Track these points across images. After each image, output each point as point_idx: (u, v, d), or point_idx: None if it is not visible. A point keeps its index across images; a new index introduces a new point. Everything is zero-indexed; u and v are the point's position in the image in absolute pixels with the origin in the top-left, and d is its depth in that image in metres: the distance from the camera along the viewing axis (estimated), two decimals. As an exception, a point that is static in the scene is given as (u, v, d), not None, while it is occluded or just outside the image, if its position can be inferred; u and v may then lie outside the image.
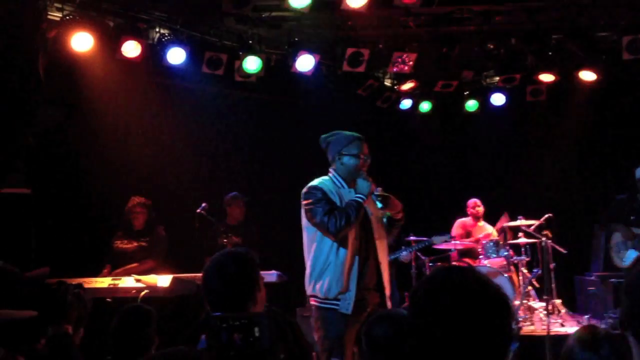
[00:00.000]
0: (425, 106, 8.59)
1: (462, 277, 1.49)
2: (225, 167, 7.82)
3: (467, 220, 7.72)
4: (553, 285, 6.87)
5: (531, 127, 8.53)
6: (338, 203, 4.01)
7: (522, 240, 7.00)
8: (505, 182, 8.51)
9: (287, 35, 6.84)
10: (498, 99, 8.32)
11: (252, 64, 6.65)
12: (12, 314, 1.79)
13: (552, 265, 6.84)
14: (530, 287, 7.07)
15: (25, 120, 5.61)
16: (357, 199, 3.97)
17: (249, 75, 6.84)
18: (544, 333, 5.85)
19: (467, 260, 7.21)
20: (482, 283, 1.48)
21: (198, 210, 6.00)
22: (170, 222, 6.37)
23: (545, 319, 6.17)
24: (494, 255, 6.96)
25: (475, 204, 7.65)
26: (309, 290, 4.08)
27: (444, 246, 7.19)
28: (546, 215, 6.92)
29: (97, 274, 5.59)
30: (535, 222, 6.96)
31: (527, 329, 6.40)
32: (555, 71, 7.61)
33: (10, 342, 1.83)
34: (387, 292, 4.08)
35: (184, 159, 7.38)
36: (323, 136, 4.28)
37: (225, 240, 5.97)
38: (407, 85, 8.09)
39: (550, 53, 7.15)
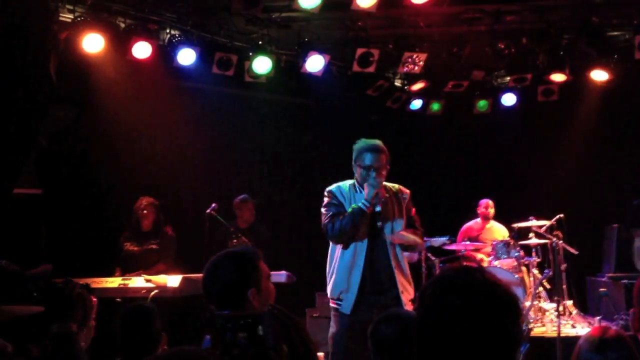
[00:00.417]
0: (435, 106, 8.57)
1: (471, 277, 1.48)
2: (235, 168, 7.84)
3: (473, 224, 7.65)
4: (564, 287, 6.81)
5: (542, 127, 8.48)
6: (348, 207, 4.11)
7: (533, 241, 6.96)
8: (515, 183, 8.47)
9: (297, 36, 6.85)
10: (509, 99, 8.27)
11: (262, 64, 6.66)
12: (19, 310, 1.81)
13: (563, 266, 6.79)
14: (541, 288, 7.01)
15: (38, 121, 5.65)
16: (359, 205, 4.03)
17: (259, 76, 6.85)
18: (555, 334, 5.80)
19: (477, 260, 7.17)
20: (491, 283, 1.47)
21: (208, 211, 6.01)
22: (180, 223, 6.40)
23: (556, 320, 6.12)
24: (505, 256, 6.91)
25: (488, 205, 7.60)
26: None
27: (454, 247, 7.16)
28: (557, 216, 6.88)
29: (106, 274, 5.61)
30: (546, 223, 6.92)
31: (537, 330, 6.36)
32: (567, 71, 7.54)
33: (17, 338, 1.84)
34: (405, 296, 4.07)
35: (194, 159, 7.40)
36: None
37: (235, 242, 5.98)
38: (418, 86, 8.07)
39: (561, 52, 7.11)
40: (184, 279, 5.20)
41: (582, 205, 7.90)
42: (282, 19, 6.58)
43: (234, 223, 6.48)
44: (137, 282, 5.24)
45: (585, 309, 7.34)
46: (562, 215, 6.86)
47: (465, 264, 1.56)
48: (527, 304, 6.62)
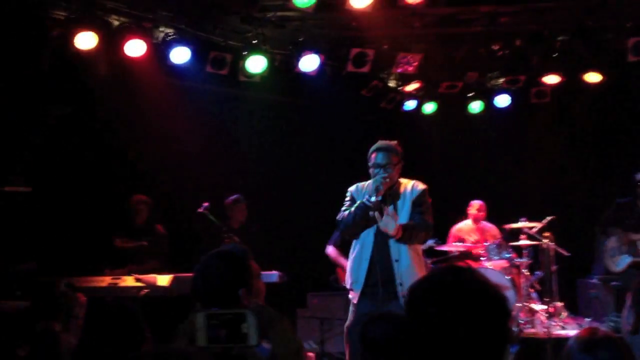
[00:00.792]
0: (429, 107, 8.58)
1: (460, 278, 1.49)
2: (228, 167, 7.83)
3: (463, 225, 7.65)
4: (555, 288, 6.85)
5: (535, 129, 8.50)
6: None
7: (525, 242, 6.98)
8: (508, 184, 8.49)
9: (291, 35, 6.85)
10: (502, 100, 8.29)
11: (256, 63, 6.65)
12: (5, 306, 1.80)
13: (554, 268, 6.82)
14: (531, 290, 7.05)
15: (30, 119, 5.63)
16: (363, 200, 4.28)
17: (253, 75, 6.84)
18: (545, 336, 5.84)
19: (468, 262, 7.18)
20: (481, 284, 1.48)
21: (200, 210, 6.00)
22: (172, 221, 6.39)
23: (546, 321, 6.16)
24: (497, 257, 6.93)
25: (479, 207, 7.61)
26: None
27: (445, 247, 7.17)
28: (549, 218, 6.90)
29: (96, 272, 5.58)
30: (537, 224, 6.95)
31: (528, 331, 6.39)
32: (560, 73, 7.58)
33: (3, 335, 1.84)
34: (403, 290, 4.21)
35: (187, 158, 7.39)
36: None
37: (226, 241, 5.97)
38: (412, 86, 8.08)
39: (555, 54, 7.13)
40: (174, 278, 5.19)
41: (573, 207, 7.94)
42: (276, 18, 6.57)
43: (225, 222, 6.47)
44: (127, 281, 5.22)
45: (576, 311, 7.37)
46: (554, 217, 6.89)
47: (454, 264, 1.56)
48: (518, 305, 6.65)
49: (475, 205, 7.60)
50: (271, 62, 6.82)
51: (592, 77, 7.38)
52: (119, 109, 6.76)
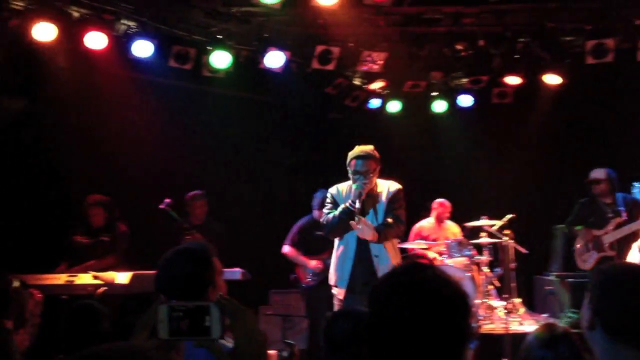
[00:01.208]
0: (393, 106, 8.63)
1: (422, 275, 1.49)
2: (191, 163, 7.74)
3: (425, 223, 7.72)
4: (513, 285, 6.97)
5: (496, 129, 8.63)
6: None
7: (485, 240, 7.10)
8: (469, 183, 8.61)
9: (256, 31, 6.80)
10: (465, 100, 8.39)
11: (220, 59, 6.59)
12: None
13: (513, 265, 6.95)
14: (491, 286, 7.16)
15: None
16: (346, 204, 4.63)
17: (217, 71, 6.78)
18: (504, 331, 5.94)
19: (431, 259, 7.26)
20: (442, 281, 1.49)
21: (161, 206, 5.91)
22: (132, 218, 6.28)
23: (504, 317, 6.27)
24: (457, 255, 7.03)
25: (442, 205, 7.69)
26: None
27: (406, 245, 7.23)
28: (509, 216, 7.03)
29: (53, 270, 5.44)
30: (498, 222, 7.06)
31: (487, 327, 6.49)
32: (521, 74, 7.71)
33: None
34: None
35: (148, 153, 7.28)
36: None
37: (188, 238, 5.90)
38: (377, 85, 8.11)
39: (516, 56, 7.25)
40: (134, 276, 5.10)
41: (532, 205, 8.10)
42: (242, 13, 6.52)
43: (187, 219, 6.39)
44: (84, 278, 5.10)
45: (533, 307, 7.53)
46: (513, 215, 7.01)
47: (416, 261, 1.57)
48: (478, 301, 6.75)
49: (438, 204, 7.69)
50: (236, 57, 6.76)
51: (552, 79, 7.52)
52: (78, 103, 6.61)
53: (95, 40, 5.88)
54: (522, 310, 7.02)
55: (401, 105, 8.63)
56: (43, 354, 2.94)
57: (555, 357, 2.31)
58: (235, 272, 5.51)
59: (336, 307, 4.75)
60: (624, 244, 5.86)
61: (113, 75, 6.71)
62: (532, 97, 8.18)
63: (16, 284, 2.14)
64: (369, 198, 4.70)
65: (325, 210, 4.80)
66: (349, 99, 8.33)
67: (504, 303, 6.77)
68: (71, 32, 5.79)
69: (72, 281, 5.08)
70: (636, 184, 6.18)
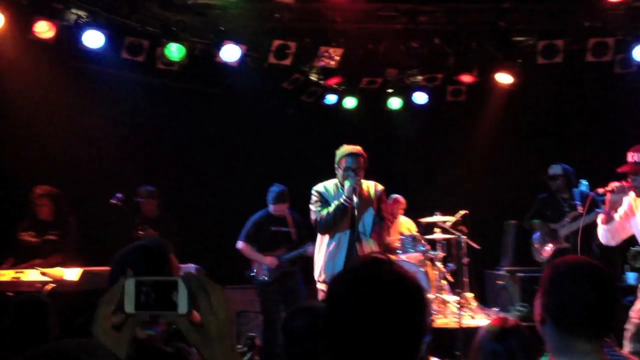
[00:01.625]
0: (350, 102, 8.66)
1: (379, 270, 1.49)
2: (143, 157, 7.59)
3: None
4: (466, 280, 7.10)
5: (450, 126, 8.77)
6: (332, 204, 4.84)
7: (439, 235, 7.20)
8: (424, 179, 8.72)
9: (212, 24, 6.70)
10: (420, 97, 8.48)
11: (175, 51, 6.47)
12: None
13: (465, 260, 7.08)
14: (444, 281, 7.28)
15: None
16: (341, 201, 4.75)
17: (171, 63, 6.66)
18: (456, 326, 6.04)
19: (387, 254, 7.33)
20: (400, 275, 1.49)
21: (113, 201, 5.78)
22: (83, 213, 6.11)
23: (457, 311, 6.38)
24: (412, 250, 7.11)
25: (396, 201, 7.76)
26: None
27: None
28: (462, 212, 7.15)
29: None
30: (451, 218, 7.18)
31: (440, 321, 6.60)
32: (475, 72, 7.83)
33: None
34: None
35: (100, 146, 7.10)
36: None
37: (141, 233, 5.78)
38: (333, 81, 8.12)
39: (470, 55, 7.37)
40: (84, 272, 4.95)
41: (484, 201, 8.26)
42: (197, 5, 6.42)
43: (139, 214, 6.26)
44: (32, 275, 4.92)
45: (484, 301, 7.69)
46: (466, 211, 7.14)
47: (374, 256, 1.56)
48: (431, 296, 6.85)
49: (393, 200, 7.76)
50: (191, 50, 6.66)
51: (504, 78, 7.67)
52: (26, 94, 6.38)
53: (44, 29, 5.70)
54: (474, 304, 7.17)
55: (357, 101, 8.67)
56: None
57: (506, 350, 2.37)
58: (189, 268, 5.42)
59: None
60: (579, 237, 6.05)
61: (63, 65, 6.51)
62: (485, 96, 8.34)
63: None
64: (362, 198, 4.85)
65: (314, 209, 4.90)
66: (305, 94, 8.32)
67: (457, 298, 6.89)
68: (19, 21, 5.59)
69: (19, 278, 4.90)
70: (583, 181, 6.37)
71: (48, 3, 5.79)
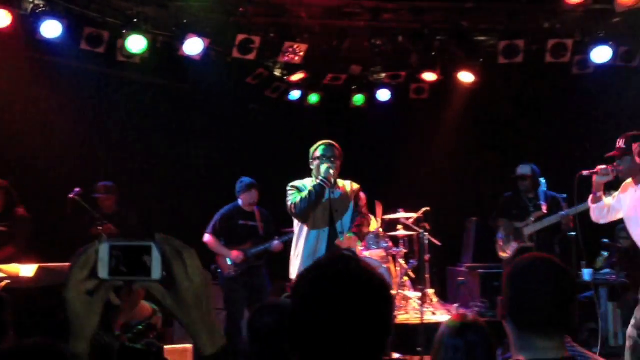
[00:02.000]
0: (313, 98, 8.65)
1: (346, 266, 1.48)
2: (103, 151, 7.43)
3: None
4: (427, 276, 7.18)
5: (413, 124, 8.84)
6: None
7: (401, 232, 7.26)
8: (387, 176, 8.77)
9: (174, 17, 6.59)
10: (383, 94, 8.53)
11: (136, 43, 6.34)
12: None
13: (427, 257, 7.15)
14: (406, 278, 7.35)
15: None
16: (318, 182, 4.74)
17: (132, 56, 6.52)
18: (418, 321, 6.10)
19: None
20: (366, 272, 1.49)
21: (71, 196, 5.63)
22: (40, 208, 5.94)
23: (419, 307, 6.44)
24: (375, 247, 7.15)
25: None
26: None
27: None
28: (424, 209, 7.21)
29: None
30: (414, 215, 7.24)
31: (402, 317, 6.66)
32: (438, 71, 7.91)
33: None
34: None
35: (57, 139, 6.91)
36: None
37: (100, 229, 5.66)
38: (297, 76, 8.09)
39: (433, 53, 7.44)
40: (40, 269, 4.81)
41: (446, 199, 8.37)
42: (159, -3, 6.31)
43: (98, 209, 6.12)
44: (-18, 272, 4.77)
45: (445, 297, 7.79)
46: (428, 208, 7.21)
47: (340, 252, 1.55)
48: (393, 292, 6.90)
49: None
50: (152, 43, 6.53)
51: (466, 77, 7.77)
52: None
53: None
54: (435, 300, 7.26)
55: (320, 97, 8.66)
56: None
57: (466, 344, 2.41)
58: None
59: None
60: (542, 236, 6.18)
61: (19, 55, 6.31)
62: (448, 94, 8.43)
63: None
64: (340, 195, 4.90)
65: (291, 195, 4.85)
66: (269, 89, 8.28)
67: (418, 294, 6.96)
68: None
69: (-32, 274, 4.73)
70: (542, 180, 6.48)
71: (3, -10, 5.61)
